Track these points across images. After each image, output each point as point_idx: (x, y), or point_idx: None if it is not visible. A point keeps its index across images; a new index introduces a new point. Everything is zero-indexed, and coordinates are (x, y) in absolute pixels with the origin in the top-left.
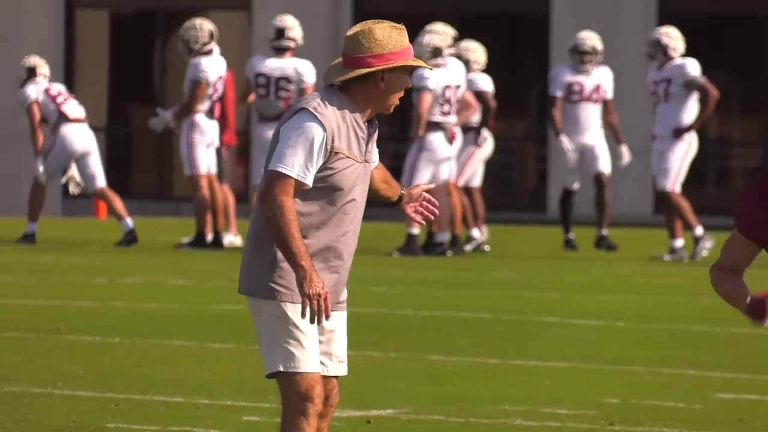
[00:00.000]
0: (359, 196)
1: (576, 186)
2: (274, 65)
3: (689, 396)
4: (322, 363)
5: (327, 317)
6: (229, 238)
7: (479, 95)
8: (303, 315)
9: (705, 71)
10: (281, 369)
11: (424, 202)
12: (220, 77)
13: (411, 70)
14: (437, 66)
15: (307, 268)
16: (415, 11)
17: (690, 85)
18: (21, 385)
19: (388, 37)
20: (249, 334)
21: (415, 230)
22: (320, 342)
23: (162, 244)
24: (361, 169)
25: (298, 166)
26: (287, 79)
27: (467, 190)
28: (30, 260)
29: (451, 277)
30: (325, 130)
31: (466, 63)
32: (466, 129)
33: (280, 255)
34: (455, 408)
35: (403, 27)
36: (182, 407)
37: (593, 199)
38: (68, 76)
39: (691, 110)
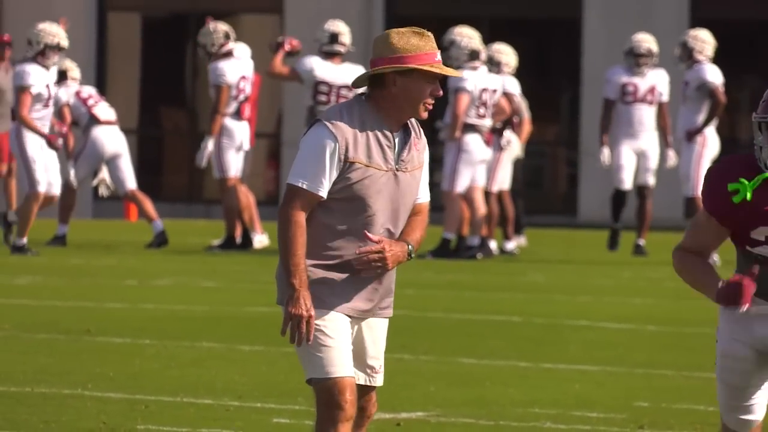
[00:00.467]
0: (389, 204)
1: (627, 186)
2: (335, 73)
3: None
4: (357, 372)
5: (308, 340)
6: (258, 237)
7: (505, 97)
8: (282, 332)
9: (737, 75)
10: (311, 376)
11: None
12: (243, 77)
13: (440, 77)
14: (474, 68)
15: (297, 287)
16: (448, 15)
17: (702, 88)
18: (51, 386)
19: (404, 41)
20: (278, 337)
21: (450, 234)
22: (357, 351)
23: (192, 246)
24: (389, 177)
25: (311, 178)
26: (347, 87)
27: (498, 195)
28: (60, 262)
29: (482, 280)
30: (337, 140)
31: (497, 65)
32: (493, 131)
33: (310, 264)
34: (485, 411)
35: (427, 33)
36: (212, 409)
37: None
38: (100, 78)
39: (705, 113)
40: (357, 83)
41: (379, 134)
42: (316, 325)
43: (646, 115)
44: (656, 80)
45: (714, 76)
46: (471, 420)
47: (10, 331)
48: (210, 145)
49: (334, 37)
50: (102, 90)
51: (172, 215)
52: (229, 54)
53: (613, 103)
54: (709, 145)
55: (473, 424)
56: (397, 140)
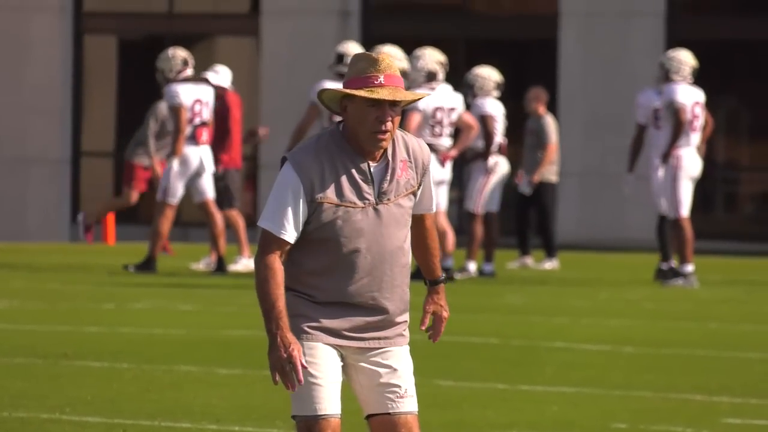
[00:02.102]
0: (373, 239)
1: (686, 213)
2: None
3: (697, 421)
4: (379, 402)
5: (299, 382)
6: (244, 261)
7: (483, 119)
8: (274, 382)
9: (713, 96)
10: (294, 413)
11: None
12: (199, 101)
13: (382, 102)
14: (432, 89)
15: (274, 332)
16: (423, 36)
17: (670, 108)
18: (29, 411)
19: (353, 66)
20: (257, 360)
21: None
22: (372, 383)
23: (170, 269)
24: (368, 213)
25: (276, 221)
26: None
27: (486, 217)
28: (37, 286)
29: (459, 301)
30: (301, 182)
31: (472, 88)
32: (474, 157)
33: (290, 297)
34: None
35: (380, 56)
36: None
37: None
38: (76, 101)
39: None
40: (334, 111)
41: (352, 168)
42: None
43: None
44: None
45: (683, 96)
46: None
47: None
48: (175, 165)
49: (340, 58)
50: (78, 113)
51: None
52: (186, 80)
53: (644, 128)
54: (684, 166)
55: None
56: (375, 171)
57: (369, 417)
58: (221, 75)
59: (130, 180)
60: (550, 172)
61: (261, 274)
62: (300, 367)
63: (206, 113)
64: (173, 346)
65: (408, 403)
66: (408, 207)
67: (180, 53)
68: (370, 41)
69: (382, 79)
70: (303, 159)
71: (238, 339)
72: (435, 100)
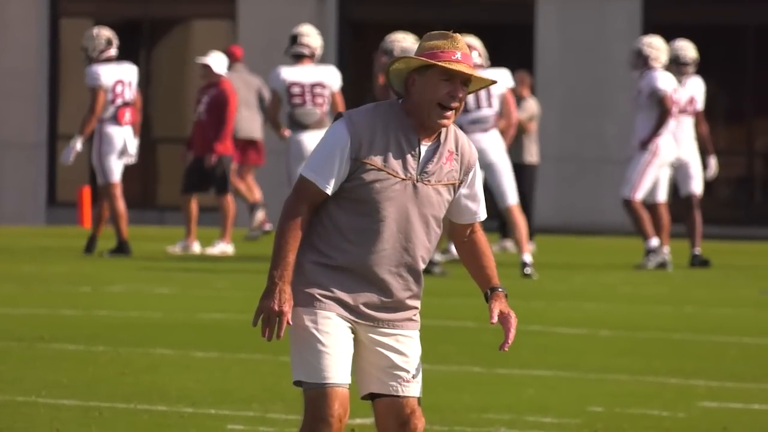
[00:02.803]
0: (404, 214)
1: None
2: (303, 74)
3: (673, 405)
4: (383, 382)
5: (278, 336)
6: (221, 246)
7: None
8: (254, 324)
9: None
10: (300, 378)
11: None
12: (121, 81)
13: (458, 75)
14: None
15: (276, 279)
16: (400, 20)
17: (653, 96)
18: (4, 394)
19: (427, 42)
20: (233, 343)
21: None
22: (380, 362)
23: (146, 253)
24: (407, 186)
25: (319, 172)
26: (321, 85)
27: None
28: (13, 269)
29: (436, 285)
30: (350, 138)
31: None
32: None
33: (305, 262)
34: (439, 417)
35: (454, 34)
36: (166, 416)
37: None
38: (52, 85)
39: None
40: (396, 89)
41: (403, 140)
42: (311, 326)
43: (686, 126)
44: (694, 89)
45: (665, 83)
46: (425, 426)
47: None
48: (78, 144)
49: (294, 39)
50: (54, 96)
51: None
52: (109, 59)
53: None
54: (661, 154)
55: (428, 430)
56: (424, 149)
57: (374, 397)
58: (217, 62)
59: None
60: (530, 153)
61: (288, 221)
62: (285, 324)
63: (129, 93)
64: (149, 329)
65: (414, 388)
66: (446, 197)
67: (104, 32)
68: (346, 25)
69: (459, 55)
70: (357, 118)
71: (215, 322)
72: None
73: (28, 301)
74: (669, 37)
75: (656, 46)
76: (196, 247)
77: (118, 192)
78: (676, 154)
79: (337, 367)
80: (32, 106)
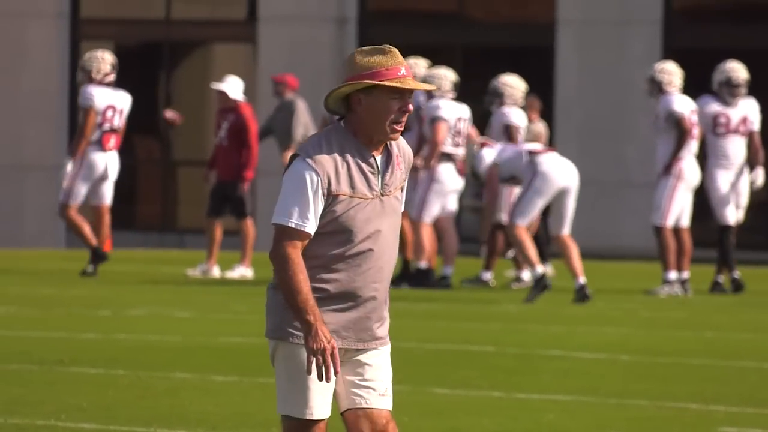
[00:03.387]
0: (378, 230)
1: (732, 220)
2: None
3: (693, 430)
4: (358, 397)
5: (336, 373)
6: (241, 270)
7: (507, 129)
8: (308, 371)
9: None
10: (286, 412)
11: None
12: (112, 107)
13: (405, 92)
14: (453, 99)
15: (312, 322)
16: (420, 43)
17: (670, 119)
18: (24, 417)
19: (366, 59)
20: (252, 367)
21: (424, 264)
22: (360, 375)
23: (166, 276)
24: (375, 204)
25: (296, 215)
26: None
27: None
28: (33, 292)
29: (456, 309)
30: (318, 175)
31: (501, 96)
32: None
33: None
34: None
35: (392, 49)
36: None
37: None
38: (73, 107)
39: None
40: (332, 108)
41: (361, 161)
42: (299, 361)
43: (737, 147)
44: (747, 110)
45: (680, 105)
46: None
47: None
48: (70, 166)
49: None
50: (74, 118)
51: (145, 245)
52: (108, 84)
53: (705, 134)
54: (686, 177)
55: None
56: (379, 163)
57: (345, 411)
58: (234, 87)
59: None
60: None
61: (289, 269)
62: (338, 361)
63: (117, 120)
64: (169, 352)
65: (386, 401)
66: (402, 200)
67: (110, 57)
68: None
69: (403, 70)
70: (317, 154)
71: (234, 346)
72: (457, 110)
73: (48, 325)
74: (687, 61)
75: (668, 71)
76: (215, 271)
77: (73, 214)
78: (699, 177)
79: (323, 403)
80: (52, 128)
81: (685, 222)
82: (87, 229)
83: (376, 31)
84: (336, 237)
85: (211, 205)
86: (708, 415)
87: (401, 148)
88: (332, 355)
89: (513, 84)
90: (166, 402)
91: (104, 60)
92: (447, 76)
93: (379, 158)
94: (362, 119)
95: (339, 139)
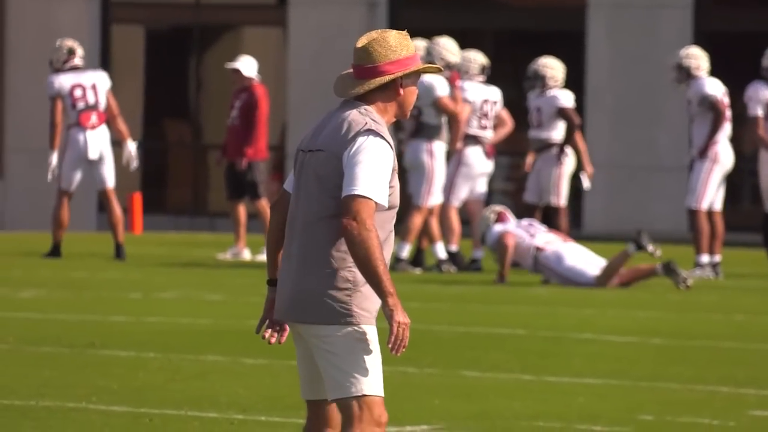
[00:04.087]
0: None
1: (718, 207)
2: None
3: (724, 413)
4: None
5: (404, 347)
6: (236, 251)
7: (562, 111)
8: (390, 342)
9: (741, 87)
10: (364, 392)
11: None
12: (79, 86)
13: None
14: (481, 81)
15: (396, 295)
16: (451, 27)
17: (704, 103)
18: (55, 400)
19: (400, 43)
20: (282, 350)
21: (454, 247)
22: None
23: (197, 259)
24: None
25: (379, 189)
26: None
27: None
28: (64, 275)
29: (487, 293)
30: (392, 148)
31: (543, 79)
32: (547, 146)
33: (354, 278)
34: (489, 424)
35: (408, 34)
36: (216, 423)
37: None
38: None
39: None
40: (346, 90)
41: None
42: (370, 341)
43: None
44: None
45: (713, 88)
46: None
47: (14, 344)
48: (54, 159)
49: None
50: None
51: (176, 228)
52: (74, 69)
53: (760, 119)
54: (721, 160)
55: None
56: None
57: None
58: (247, 66)
59: None
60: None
61: (373, 242)
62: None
63: (92, 97)
64: (199, 335)
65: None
66: None
67: (66, 43)
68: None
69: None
70: (385, 131)
71: None
72: (483, 92)
73: (79, 308)
74: (719, 45)
75: (695, 55)
76: (246, 254)
77: (66, 201)
78: (732, 160)
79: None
80: None
81: (718, 206)
82: (62, 224)
83: (407, 14)
84: (388, 213)
85: (228, 188)
86: (739, 398)
87: None
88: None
89: (553, 66)
90: (197, 385)
91: (60, 48)
92: (476, 59)
93: None
94: (400, 102)
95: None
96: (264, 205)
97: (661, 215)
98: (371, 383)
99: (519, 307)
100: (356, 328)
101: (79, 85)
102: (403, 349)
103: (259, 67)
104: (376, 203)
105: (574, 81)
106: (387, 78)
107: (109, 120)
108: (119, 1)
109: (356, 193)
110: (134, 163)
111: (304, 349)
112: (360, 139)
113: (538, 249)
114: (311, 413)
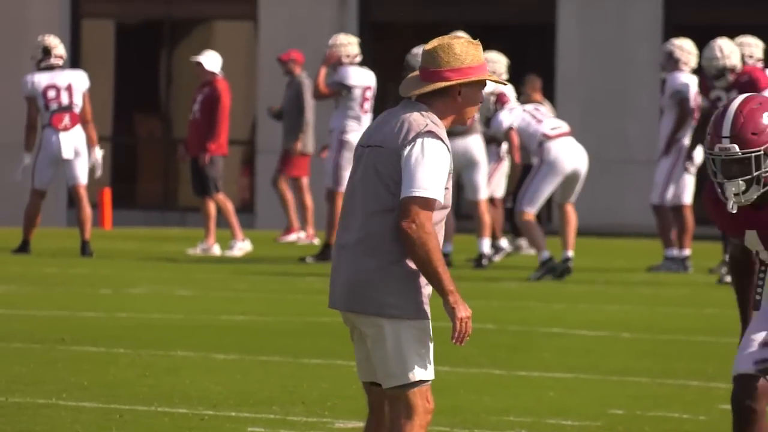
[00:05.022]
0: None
1: (688, 201)
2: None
3: (694, 407)
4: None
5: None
6: (239, 245)
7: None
8: (454, 338)
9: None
10: (421, 378)
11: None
12: (53, 87)
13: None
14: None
15: (457, 291)
16: (421, 21)
17: (674, 96)
18: (25, 396)
19: (466, 52)
20: (254, 345)
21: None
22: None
23: (167, 254)
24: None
25: (437, 189)
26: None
27: (491, 202)
28: (34, 271)
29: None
30: (449, 151)
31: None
32: (489, 141)
33: (412, 273)
34: (460, 419)
35: (479, 43)
36: (187, 418)
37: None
38: None
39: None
40: (407, 90)
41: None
42: (427, 332)
43: None
44: None
45: (685, 85)
46: (446, 428)
47: None
48: (26, 159)
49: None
50: None
51: (147, 223)
52: (50, 68)
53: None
54: (686, 155)
55: None
56: None
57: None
58: (211, 60)
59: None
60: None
61: (433, 243)
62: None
63: (66, 98)
64: (170, 331)
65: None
66: None
67: (46, 41)
68: (368, 26)
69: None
70: (443, 134)
71: (236, 324)
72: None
73: (49, 303)
74: (689, 37)
75: (687, 50)
76: (216, 249)
77: (36, 199)
78: (701, 156)
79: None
80: None
81: (687, 199)
82: (33, 221)
83: (378, 8)
84: (441, 213)
85: (194, 184)
86: (709, 392)
87: None
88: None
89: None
90: (168, 380)
91: (36, 47)
92: (501, 60)
93: None
94: (457, 107)
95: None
96: (222, 198)
97: (632, 208)
98: (425, 371)
99: (489, 302)
100: (408, 320)
101: (53, 86)
102: (467, 338)
103: (230, 61)
104: (433, 203)
105: (544, 72)
106: (443, 84)
107: (82, 122)
108: None
109: (416, 194)
110: (99, 171)
111: (358, 334)
112: (420, 140)
113: (545, 136)
114: (371, 397)
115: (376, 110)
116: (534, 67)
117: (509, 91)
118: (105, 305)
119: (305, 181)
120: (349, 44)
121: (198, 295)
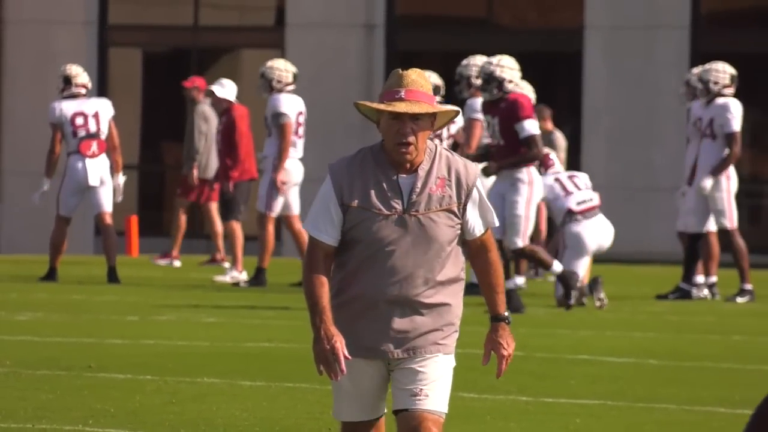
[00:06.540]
0: (399, 247)
1: (712, 228)
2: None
3: None
4: (403, 400)
5: (342, 371)
6: (234, 274)
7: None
8: (319, 373)
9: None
10: (333, 416)
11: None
12: (81, 114)
13: (405, 115)
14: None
15: (318, 324)
16: (449, 50)
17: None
18: (52, 422)
19: (387, 80)
20: (280, 372)
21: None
22: (401, 383)
23: (194, 281)
24: (393, 221)
25: (315, 225)
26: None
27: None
28: (61, 298)
29: (482, 315)
30: (333, 186)
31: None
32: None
33: (334, 311)
34: None
35: (402, 72)
36: None
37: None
38: None
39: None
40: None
41: (381, 177)
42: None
43: None
44: None
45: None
46: None
47: (11, 367)
48: (45, 185)
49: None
50: None
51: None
52: (74, 96)
53: None
54: (732, 177)
55: None
56: (404, 183)
57: (396, 414)
58: (226, 88)
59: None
60: None
61: (305, 274)
62: (342, 358)
63: (93, 126)
64: (196, 358)
65: (427, 403)
66: (447, 222)
67: (67, 70)
68: (395, 54)
69: (403, 93)
70: (337, 167)
71: (262, 351)
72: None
73: (76, 330)
74: None
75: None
76: (243, 276)
77: (64, 227)
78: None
79: (355, 407)
80: None
81: (712, 226)
82: (59, 248)
83: (405, 37)
84: (353, 247)
85: (221, 210)
86: (736, 419)
87: (454, 170)
88: (335, 356)
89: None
90: (194, 407)
91: (61, 75)
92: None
93: (404, 177)
94: (383, 139)
95: (368, 156)
96: (236, 226)
97: (658, 236)
98: (335, 408)
99: (516, 329)
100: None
101: (81, 113)
102: (342, 374)
103: (258, 89)
104: (314, 237)
105: (571, 102)
106: (368, 106)
107: (108, 149)
108: (116, 24)
109: (302, 227)
110: (120, 197)
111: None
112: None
113: (571, 212)
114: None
115: None
116: (561, 96)
117: (553, 155)
118: (132, 332)
119: (213, 206)
120: (285, 71)
121: (224, 322)
